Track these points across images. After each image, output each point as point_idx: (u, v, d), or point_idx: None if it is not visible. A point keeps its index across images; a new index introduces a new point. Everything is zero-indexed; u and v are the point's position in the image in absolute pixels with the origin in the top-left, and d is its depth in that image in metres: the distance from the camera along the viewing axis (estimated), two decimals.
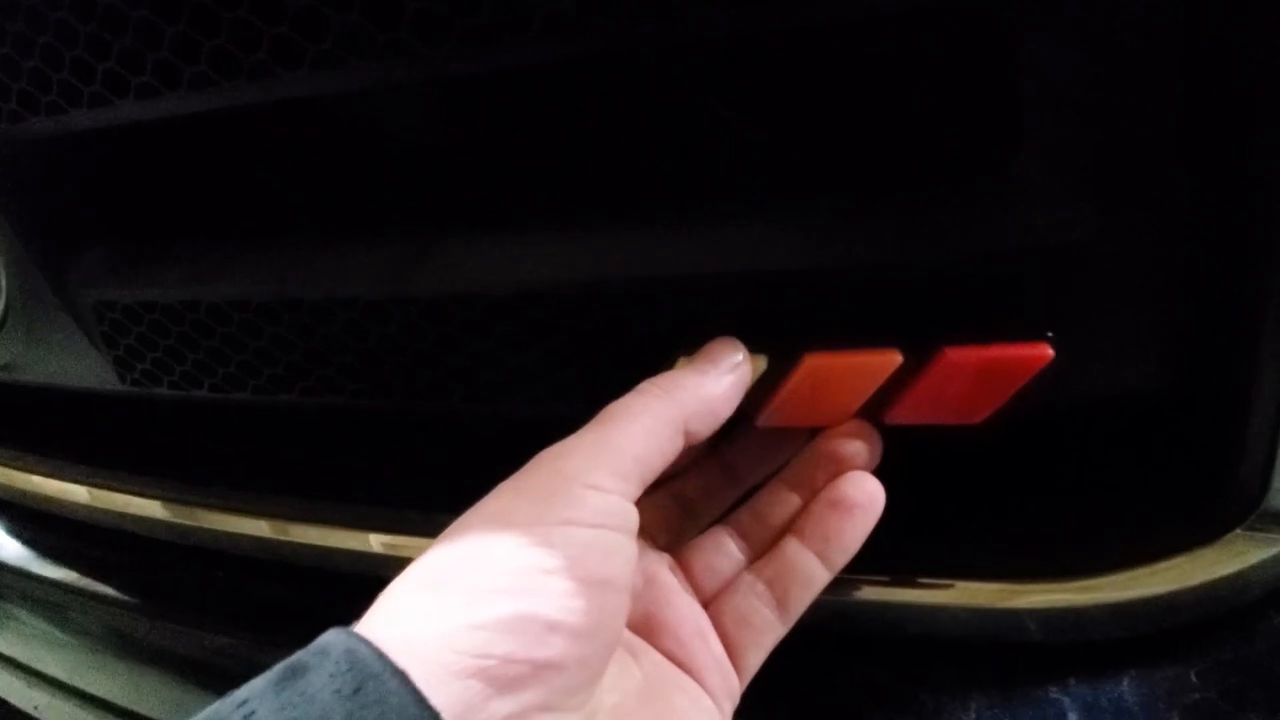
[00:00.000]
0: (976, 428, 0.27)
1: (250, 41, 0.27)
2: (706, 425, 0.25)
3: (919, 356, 0.25)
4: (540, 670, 0.20)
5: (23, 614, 0.60)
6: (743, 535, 0.29)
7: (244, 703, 0.19)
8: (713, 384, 0.25)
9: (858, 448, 0.28)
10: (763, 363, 0.27)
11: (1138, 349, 0.26)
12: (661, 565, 0.28)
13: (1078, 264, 0.25)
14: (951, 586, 0.31)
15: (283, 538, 0.45)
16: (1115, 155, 0.24)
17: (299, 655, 0.20)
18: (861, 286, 0.27)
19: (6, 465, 0.57)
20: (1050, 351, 0.24)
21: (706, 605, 0.28)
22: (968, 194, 0.25)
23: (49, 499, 0.55)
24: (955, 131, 0.26)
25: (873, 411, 0.27)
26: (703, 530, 0.30)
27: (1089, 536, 0.30)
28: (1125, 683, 0.29)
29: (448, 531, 0.23)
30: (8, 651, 0.64)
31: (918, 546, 0.32)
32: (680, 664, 0.26)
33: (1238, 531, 0.27)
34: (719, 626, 0.27)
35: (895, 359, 0.25)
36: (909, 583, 0.31)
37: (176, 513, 0.49)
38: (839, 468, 0.28)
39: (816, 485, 0.28)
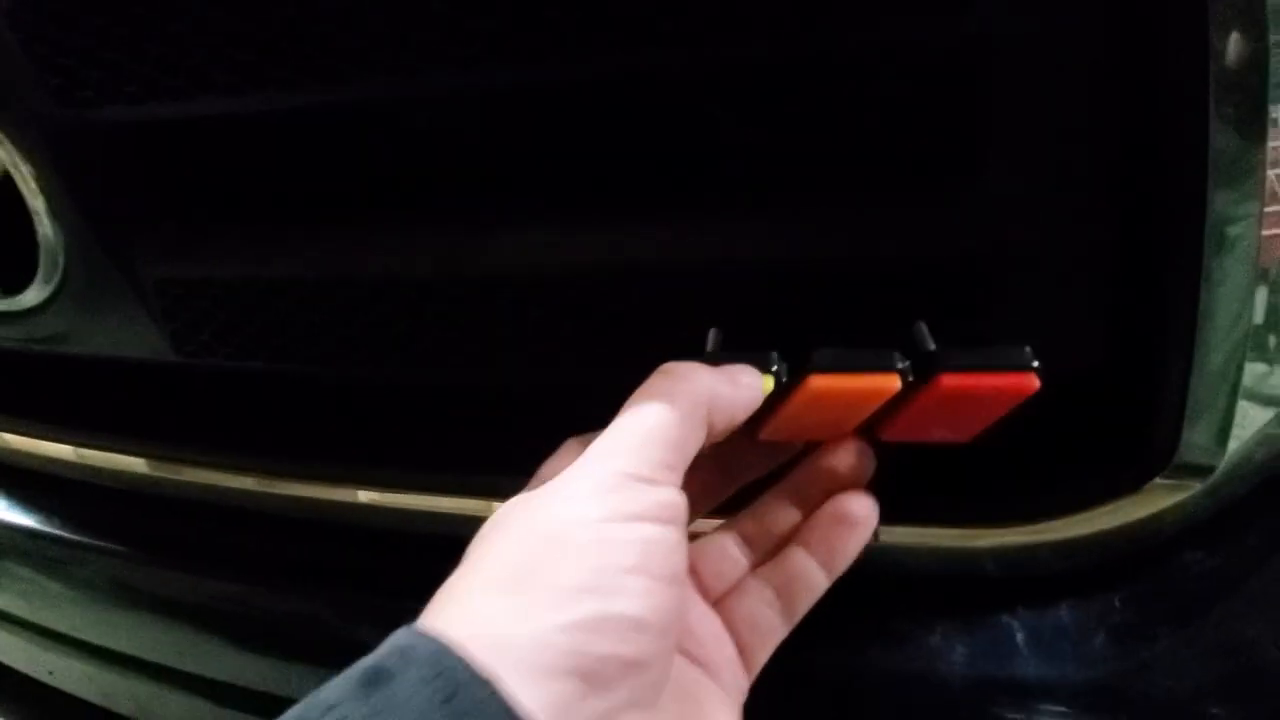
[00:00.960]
0: None
1: (332, 51, 0.32)
2: (724, 422, 0.26)
3: (916, 381, 0.27)
4: (629, 668, 0.20)
5: (23, 571, 0.63)
6: (746, 541, 0.30)
7: (332, 707, 0.19)
8: (732, 386, 0.26)
9: (856, 465, 0.30)
10: (770, 382, 0.28)
11: (1077, 333, 0.32)
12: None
13: (1031, 262, 0.31)
14: (921, 531, 0.36)
15: (271, 491, 0.48)
16: (1061, 171, 0.30)
17: (378, 658, 0.20)
18: (843, 278, 0.32)
19: None
20: (1037, 382, 0.26)
21: (714, 607, 0.29)
22: (938, 201, 0.31)
23: (37, 458, 0.57)
24: (925, 148, 0.31)
25: (869, 429, 0.30)
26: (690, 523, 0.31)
27: (1036, 487, 0.36)
28: (1063, 609, 0.35)
29: (506, 532, 0.23)
30: (14, 610, 0.66)
31: (894, 498, 0.37)
32: (701, 664, 0.27)
33: (1155, 481, 0.33)
34: (730, 629, 0.28)
35: (894, 384, 0.27)
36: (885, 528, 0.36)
37: (162, 469, 0.52)
38: (838, 484, 0.30)
39: (816, 498, 0.30)
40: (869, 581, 0.37)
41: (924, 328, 0.29)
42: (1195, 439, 0.32)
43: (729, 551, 0.30)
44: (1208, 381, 0.31)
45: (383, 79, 0.31)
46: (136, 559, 0.56)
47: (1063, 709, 0.32)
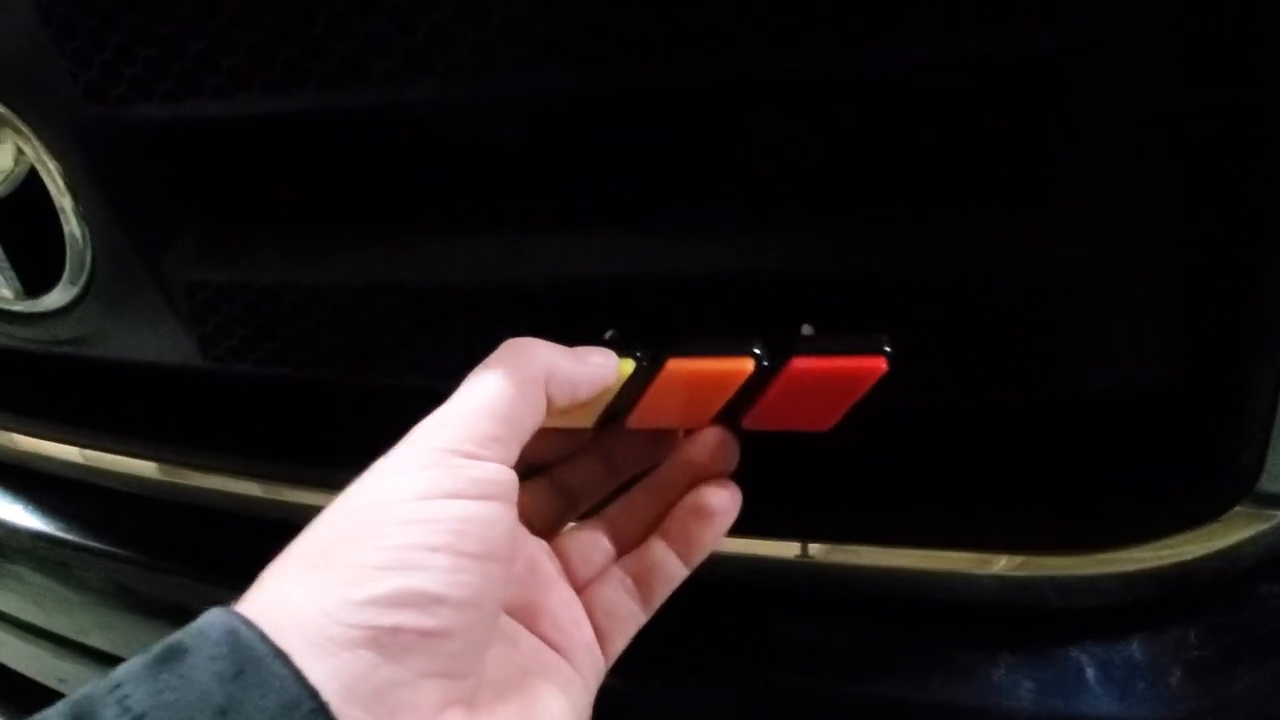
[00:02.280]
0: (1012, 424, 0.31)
1: (386, 49, 0.30)
2: (564, 397, 0.26)
3: (771, 366, 0.27)
4: (428, 638, 0.21)
5: (35, 577, 0.62)
6: (613, 531, 0.31)
7: (118, 686, 0.19)
8: (575, 361, 0.27)
9: (716, 455, 0.30)
10: (630, 365, 0.29)
11: (1158, 351, 0.31)
12: (542, 553, 0.30)
13: (1109, 277, 0.29)
14: (979, 557, 0.35)
15: (275, 498, 0.47)
16: (1145, 182, 0.28)
17: (178, 636, 0.20)
18: (915, 294, 0.30)
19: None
20: (885, 365, 0.26)
21: (579, 592, 0.30)
22: (1017, 214, 0.29)
23: (43, 459, 0.57)
24: (1003, 160, 0.30)
25: (732, 416, 0.29)
26: (580, 517, 0.32)
27: (1105, 514, 0.34)
28: (1134, 643, 0.33)
29: (329, 509, 0.23)
30: (25, 616, 0.65)
31: (952, 521, 0.36)
32: (557, 647, 0.28)
33: (1236, 509, 0.32)
34: (590, 614, 0.29)
35: (748, 366, 0.27)
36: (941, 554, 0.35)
37: (175, 474, 0.51)
38: (700, 475, 0.30)
39: (680, 488, 0.30)
40: (925, 610, 0.36)
41: (809, 328, 0.29)
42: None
43: (598, 541, 0.31)
44: None
45: (435, 80, 0.30)
46: (148, 564, 0.55)
47: None
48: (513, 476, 0.24)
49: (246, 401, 0.48)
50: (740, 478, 0.30)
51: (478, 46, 0.29)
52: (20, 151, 0.40)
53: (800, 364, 0.27)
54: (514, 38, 0.29)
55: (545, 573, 0.29)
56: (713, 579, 0.32)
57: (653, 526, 0.31)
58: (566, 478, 0.32)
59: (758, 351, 0.27)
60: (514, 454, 0.25)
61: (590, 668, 0.28)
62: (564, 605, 0.29)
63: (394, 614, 0.20)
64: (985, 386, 0.30)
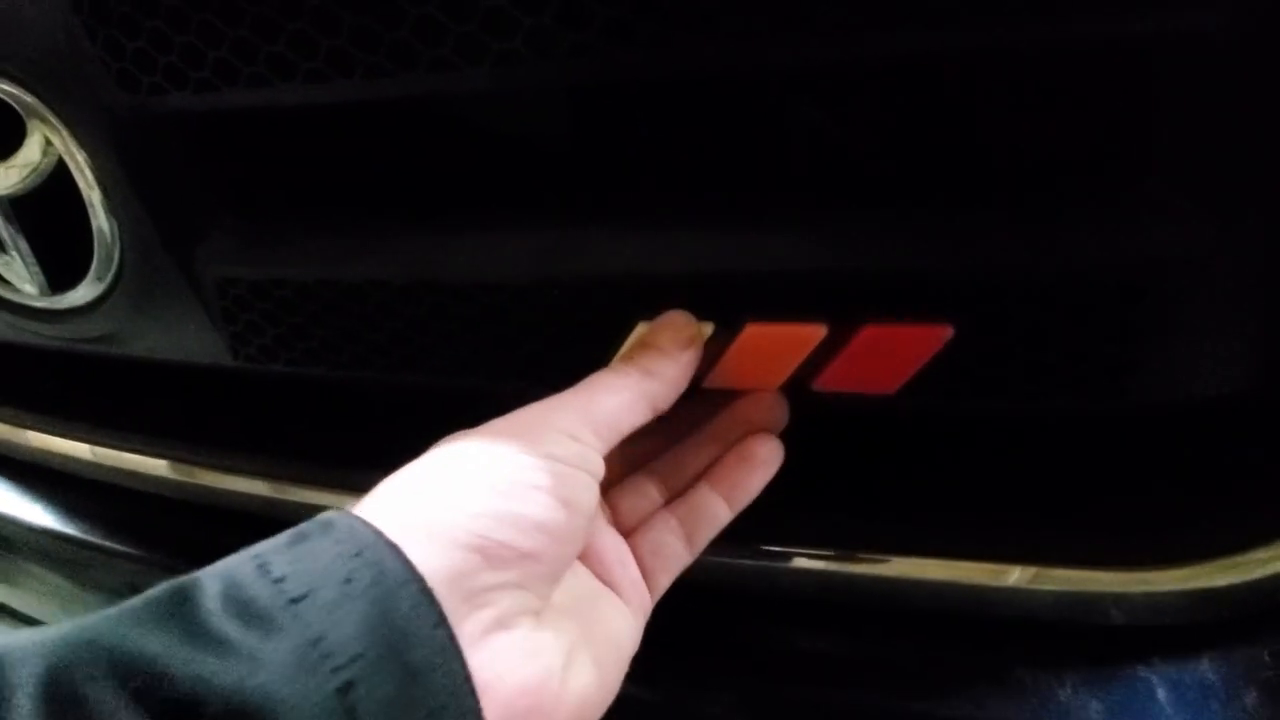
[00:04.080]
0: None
1: (437, 36, 0.29)
2: (669, 401, 0.30)
3: (843, 330, 0.29)
4: (524, 557, 0.25)
5: (47, 574, 0.61)
6: (662, 481, 0.34)
7: (258, 555, 0.23)
8: (675, 366, 0.30)
9: (769, 414, 0.33)
10: (709, 328, 0.31)
11: (1240, 356, 0.29)
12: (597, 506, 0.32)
13: (1199, 275, 0.28)
14: (1041, 572, 0.33)
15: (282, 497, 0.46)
16: (1234, 178, 0.27)
17: (304, 526, 0.24)
18: (993, 291, 0.29)
19: (11, 424, 0.57)
20: (950, 330, 0.28)
21: (626, 537, 0.32)
22: (1103, 209, 0.28)
23: (54, 456, 0.56)
24: (1093, 151, 0.29)
25: (804, 379, 0.31)
26: (630, 468, 0.35)
27: (1172, 528, 0.33)
28: (1205, 662, 0.32)
29: (445, 443, 0.27)
30: (34, 613, 0.64)
31: (1006, 534, 0.35)
32: (607, 583, 0.31)
33: None
34: (637, 555, 0.32)
35: (821, 331, 0.29)
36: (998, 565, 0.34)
37: (179, 471, 0.50)
38: (749, 429, 0.33)
39: (728, 444, 0.33)
40: (985, 626, 0.34)
41: None
42: None
43: (646, 490, 0.33)
44: None
45: (487, 70, 0.29)
46: (164, 565, 0.54)
47: None
48: (601, 463, 0.28)
49: (274, 401, 0.47)
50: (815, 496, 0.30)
51: (533, 33, 0.28)
52: (48, 143, 0.39)
53: (872, 331, 0.29)
54: (572, 23, 0.28)
55: (598, 522, 0.32)
56: (791, 593, 0.31)
57: (699, 476, 0.34)
58: (631, 442, 0.34)
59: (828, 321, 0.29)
60: (606, 448, 0.28)
61: (637, 601, 0.31)
62: (609, 549, 0.31)
63: (502, 530, 0.24)
64: (1059, 393, 0.29)
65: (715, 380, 0.32)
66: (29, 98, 0.38)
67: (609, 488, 0.34)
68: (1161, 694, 0.31)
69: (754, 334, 0.30)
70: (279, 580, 0.22)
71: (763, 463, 0.33)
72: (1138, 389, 0.29)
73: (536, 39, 0.28)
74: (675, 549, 0.32)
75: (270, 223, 0.38)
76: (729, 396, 0.33)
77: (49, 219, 0.42)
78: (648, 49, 0.27)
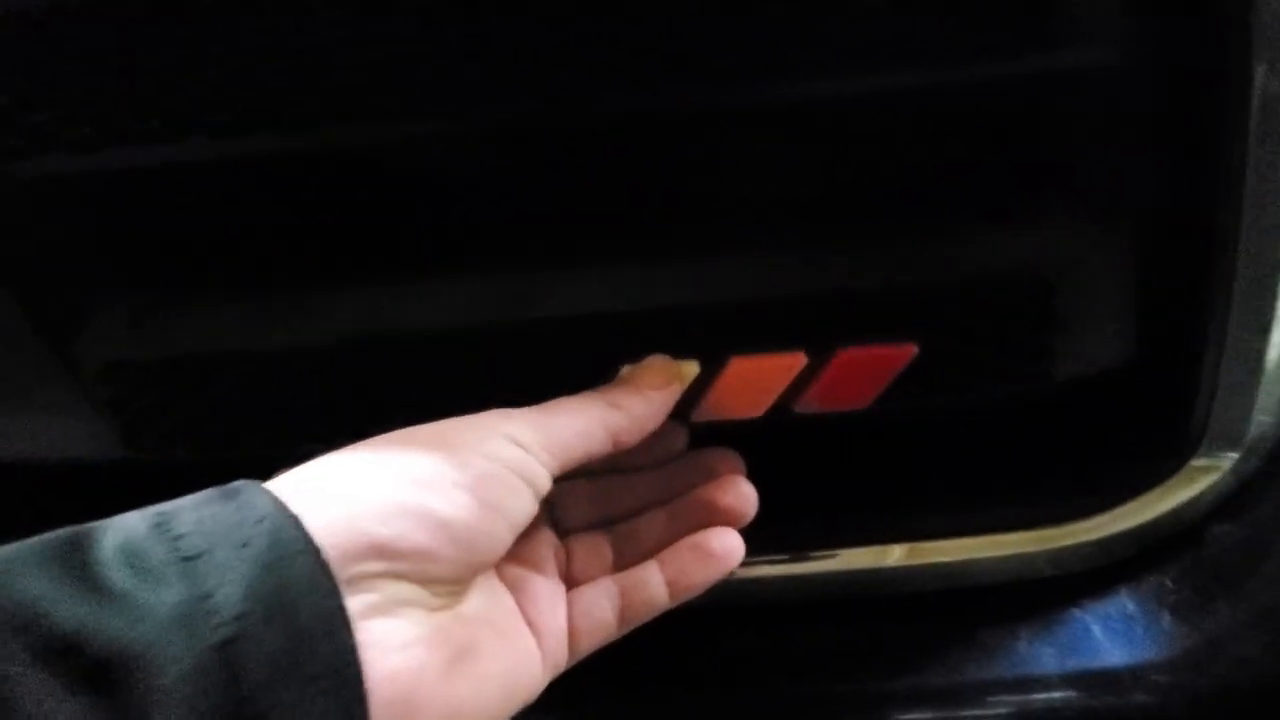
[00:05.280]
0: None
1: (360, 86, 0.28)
2: (634, 438, 0.30)
3: (821, 357, 0.32)
4: (417, 551, 0.24)
5: None
6: (617, 546, 0.33)
7: (160, 512, 0.23)
8: (644, 403, 0.30)
9: (734, 505, 0.32)
10: (694, 367, 0.32)
11: (1123, 337, 0.34)
12: (550, 546, 0.32)
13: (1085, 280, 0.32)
14: (983, 539, 0.37)
15: None
16: (1115, 198, 0.32)
17: (211, 490, 0.24)
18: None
19: None
20: (915, 349, 0.31)
21: (569, 588, 0.32)
22: (1019, 225, 0.31)
23: None
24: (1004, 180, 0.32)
25: (787, 404, 0.33)
26: (595, 522, 0.34)
27: (1077, 491, 0.37)
28: (1124, 595, 0.37)
29: (394, 432, 0.27)
30: None
31: (945, 514, 0.38)
32: (531, 625, 0.30)
33: (1191, 463, 0.36)
34: (570, 610, 0.31)
35: (801, 359, 0.32)
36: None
37: None
38: (714, 519, 0.32)
39: (690, 526, 0.32)
40: (947, 599, 0.37)
41: None
42: (1226, 420, 0.35)
43: (601, 550, 0.33)
44: (1233, 370, 0.34)
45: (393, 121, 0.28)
46: None
47: (1156, 694, 0.34)
48: (545, 475, 0.27)
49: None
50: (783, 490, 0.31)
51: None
52: None
53: (847, 354, 0.31)
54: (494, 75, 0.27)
55: (546, 563, 0.31)
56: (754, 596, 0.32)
57: (653, 552, 0.32)
58: (602, 498, 0.34)
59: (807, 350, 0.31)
60: (556, 468, 0.28)
61: (552, 655, 0.30)
62: (547, 593, 0.31)
63: (401, 521, 0.24)
64: (995, 383, 0.33)
65: (703, 414, 0.33)
66: None
67: (569, 535, 0.33)
68: (1095, 630, 0.36)
69: (738, 367, 0.32)
70: (176, 538, 0.22)
71: (716, 558, 0.31)
72: (1056, 370, 0.33)
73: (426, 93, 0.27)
74: (606, 619, 0.31)
75: (165, 296, 0.34)
76: (702, 475, 0.33)
77: None
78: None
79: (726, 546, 0.31)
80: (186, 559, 0.21)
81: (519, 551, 0.30)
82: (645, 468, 0.35)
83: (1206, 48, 0.29)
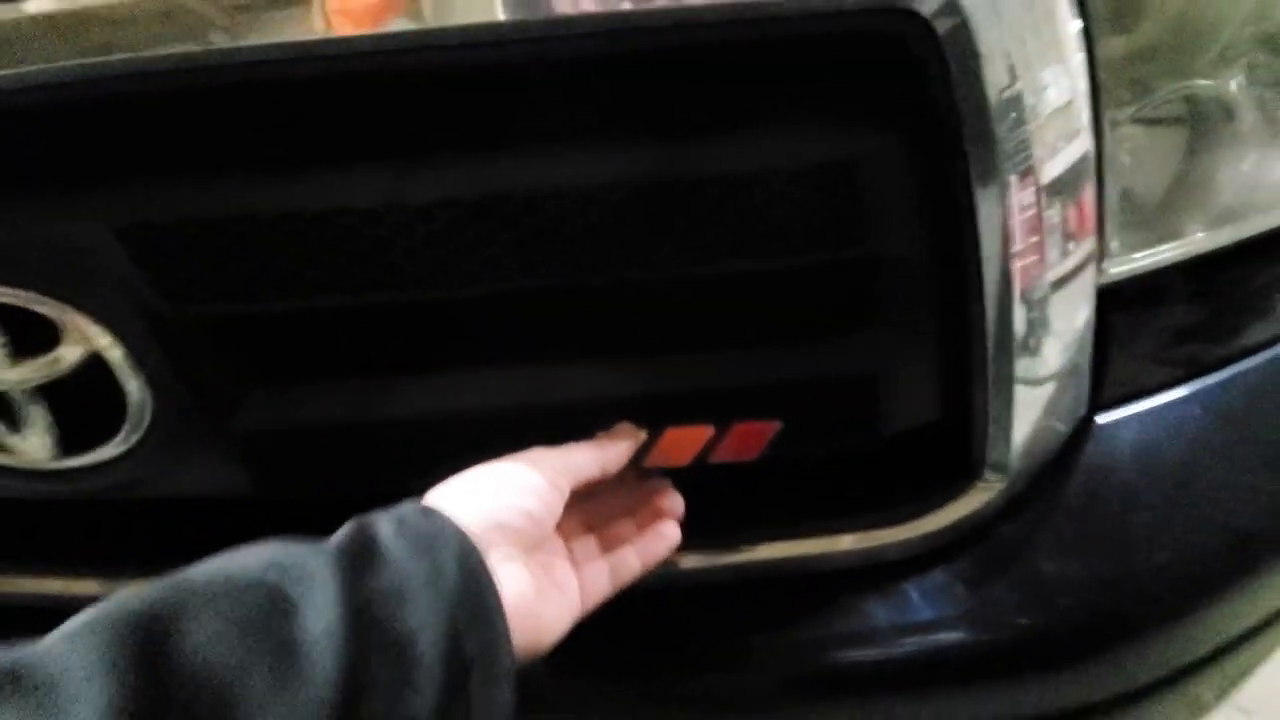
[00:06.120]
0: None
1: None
2: (614, 467, 0.49)
3: (723, 428, 0.51)
4: (519, 530, 0.42)
5: None
6: (602, 541, 0.50)
7: (400, 516, 0.40)
8: (617, 448, 0.49)
9: (673, 505, 0.51)
10: (644, 433, 0.51)
11: (923, 399, 0.52)
12: (560, 543, 0.48)
13: (900, 369, 0.50)
14: (845, 536, 0.55)
15: None
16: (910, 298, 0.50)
17: (416, 507, 0.41)
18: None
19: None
20: (779, 424, 0.51)
21: (573, 568, 0.48)
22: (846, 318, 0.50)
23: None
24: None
25: (705, 456, 0.52)
26: (586, 529, 0.51)
27: (905, 501, 0.56)
28: (936, 573, 0.55)
29: (500, 460, 0.45)
30: None
31: (818, 520, 0.56)
32: (558, 585, 0.46)
33: (976, 483, 0.54)
34: (577, 575, 0.47)
35: (710, 431, 0.51)
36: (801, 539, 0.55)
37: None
38: (661, 515, 0.51)
39: (647, 522, 0.51)
40: (817, 577, 0.55)
41: None
42: (995, 457, 0.53)
43: (590, 545, 0.50)
44: (995, 427, 0.52)
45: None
46: None
47: (955, 631, 0.52)
48: (567, 489, 0.46)
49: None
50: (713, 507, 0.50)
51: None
52: (90, 349, 0.49)
53: (741, 427, 0.50)
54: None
55: (560, 551, 0.48)
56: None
57: (624, 540, 0.50)
58: (589, 512, 0.52)
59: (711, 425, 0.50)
60: (573, 483, 0.46)
61: (574, 603, 0.46)
62: (564, 569, 0.47)
63: (512, 514, 0.42)
64: (837, 441, 0.51)
65: (652, 461, 0.52)
66: (68, 310, 0.48)
67: (571, 537, 0.50)
68: (914, 595, 0.54)
69: (671, 435, 0.51)
70: (412, 533, 0.39)
71: (667, 539, 0.50)
72: (882, 429, 0.51)
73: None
74: (601, 582, 0.48)
75: (291, 382, 0.51)
76: (651, 492, 0.52)
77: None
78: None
79: (672, 531, 0.50)
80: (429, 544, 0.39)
81: (545, 544, 0.46)
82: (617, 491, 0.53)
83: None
